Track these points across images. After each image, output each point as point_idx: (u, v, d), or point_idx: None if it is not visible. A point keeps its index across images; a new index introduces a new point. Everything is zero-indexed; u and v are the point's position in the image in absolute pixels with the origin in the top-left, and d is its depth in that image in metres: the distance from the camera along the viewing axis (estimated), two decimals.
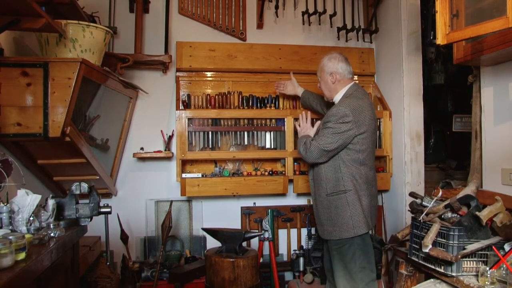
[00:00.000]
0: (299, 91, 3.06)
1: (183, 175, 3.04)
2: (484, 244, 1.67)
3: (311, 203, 3.45)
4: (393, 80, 3.20)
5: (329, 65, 2.48)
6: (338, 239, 2.33)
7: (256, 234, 2.81)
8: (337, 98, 2.50)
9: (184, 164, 3.15)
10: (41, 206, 1.77)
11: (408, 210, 2.10)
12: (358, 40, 3.51)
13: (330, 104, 2.63)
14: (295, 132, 3.09)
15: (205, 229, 2.81)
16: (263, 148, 3.21)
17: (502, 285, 1.51)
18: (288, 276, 3.41)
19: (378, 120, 3.24)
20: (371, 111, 2.42)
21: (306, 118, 2.63)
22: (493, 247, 1.65)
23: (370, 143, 2.41)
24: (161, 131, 3.23)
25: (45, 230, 1.65)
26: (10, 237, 1.34)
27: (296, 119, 2.98)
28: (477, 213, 1.69)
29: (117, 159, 3.12)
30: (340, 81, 2.48)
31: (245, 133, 3.18)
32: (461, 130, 3.85)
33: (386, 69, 3.34)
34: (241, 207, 3.39)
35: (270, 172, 3.20)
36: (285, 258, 3.42)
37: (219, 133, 3.15)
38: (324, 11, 3.30)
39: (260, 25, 3.43)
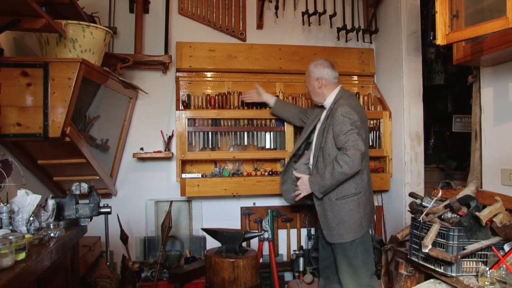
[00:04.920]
0: (267, 98, 3.02)
1: (183, 175, 3.04)
2: (484, 245, 1.67)
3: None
4: (393, 80, 3.20)
5: (315, 71, 2.60)
6: (353, 240, 2.41)
7: (256, 234, 2.81)
8: (328, 101, 2.59)
9: (184, 164, 3.15)
10: (41, 206, 1.77)
11: (408, 211, 2.10)
12: (358, 41, 3.51)
13: (311, 114, 2.78)
14: (295, 132, 3.14)
15: (205, 229, 2.81)
16: (263, 148, 3.21)
17: (502, 285, 1.51)
18: (288, 276, 3.41)
19: (378, 121, 3.26)
20: (363, 111, 2.58)
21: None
22: (492, 247, 1.65)
23: (366, 145, 2.46)
24: (161, 131, 3.23)
25: (45, 230, 1.65)
26: (10, 237, 1.34)
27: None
28: (477, 213, 1.69)
29: (117, 159, 3.12)
30: (327, 86, 2.59)
31: (245, 134, 3.18)
32: (461, 131, 3.86)
33: (386, 70, 3.35)
34: (241, 207, 3.39)
35: (270, 172, 3.20)
36: (285, 258, 3.42)
37: (219, 133, 3.15)
38: (324, 12, 3.30)
39: (260, 25, 3.43)
